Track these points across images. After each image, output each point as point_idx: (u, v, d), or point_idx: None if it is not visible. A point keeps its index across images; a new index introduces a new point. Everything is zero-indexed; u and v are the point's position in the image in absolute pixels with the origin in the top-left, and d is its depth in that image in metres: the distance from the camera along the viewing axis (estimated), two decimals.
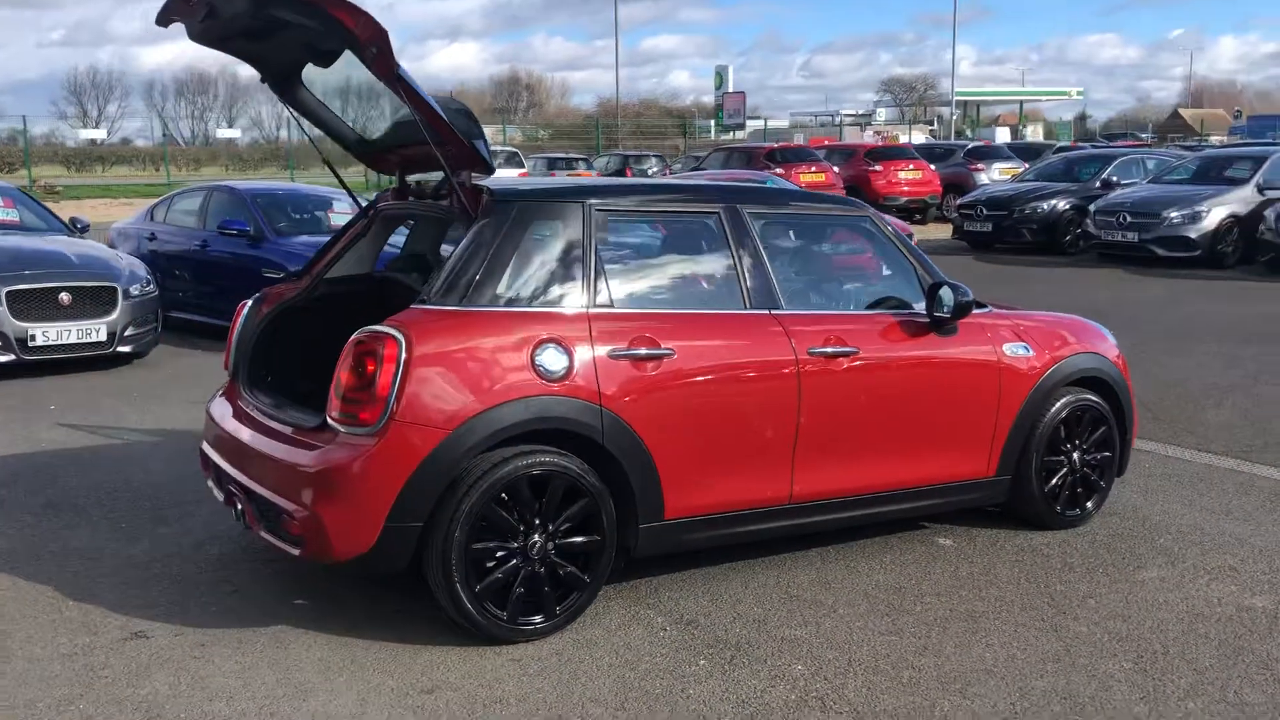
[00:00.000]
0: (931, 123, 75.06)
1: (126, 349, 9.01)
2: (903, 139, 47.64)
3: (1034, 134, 58.35)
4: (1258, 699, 3.54)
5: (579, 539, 3.97)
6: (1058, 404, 5.08)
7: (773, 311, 4.42)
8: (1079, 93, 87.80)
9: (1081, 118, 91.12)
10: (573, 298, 4.05)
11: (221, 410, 4.62)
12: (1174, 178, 16.21)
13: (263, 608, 4.22)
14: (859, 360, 4.51)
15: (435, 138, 3.95)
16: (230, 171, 43.08)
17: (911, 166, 21.82)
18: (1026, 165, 21.76)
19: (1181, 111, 77.97)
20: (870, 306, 4.83)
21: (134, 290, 9.08)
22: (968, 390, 4.87)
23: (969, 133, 61.39)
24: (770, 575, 4.58)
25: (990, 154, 24.22)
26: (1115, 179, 17.06)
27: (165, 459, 6.28)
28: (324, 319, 4.85)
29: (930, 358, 4.75)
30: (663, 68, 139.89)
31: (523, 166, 27.99)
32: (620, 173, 27.36)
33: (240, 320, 4.77)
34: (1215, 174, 15.77)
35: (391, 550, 3.75)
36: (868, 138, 46.18)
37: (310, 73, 4.56)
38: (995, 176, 22.06)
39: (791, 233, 4.73)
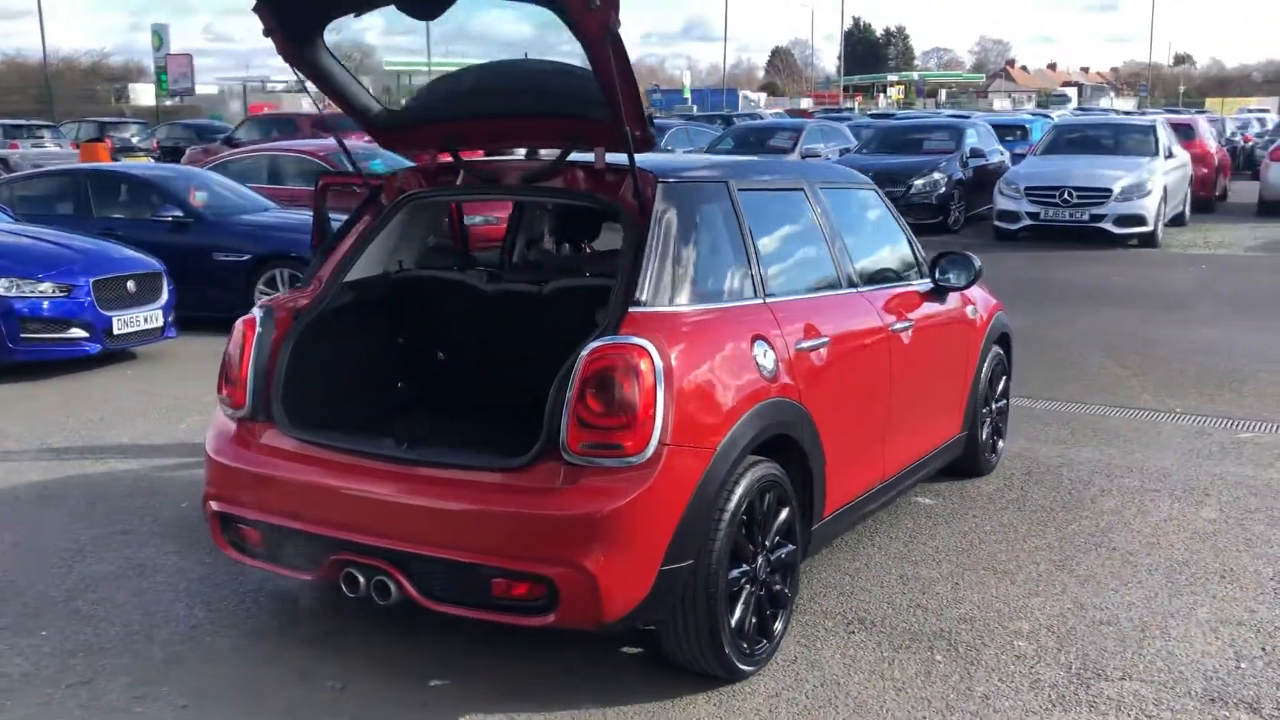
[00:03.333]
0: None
1: None
2: None
3: None
4: None
5: (783, 552, 3.64)
6: (988, 360, 5.48)
7: (859, 289, 4.32)
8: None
9: None
10: (751, 288, 3.67)
11: (258, 459, 3.57)
12: (723, 147, 17.74)
13: (402, 707, 3.36)
14: (912, 333, 4.55)
15: (617, 113, 3.34)
16: None
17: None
18: None
19: None
20: (870, 279, 4.83)
21: None
22: (958, 354, 5.11)
23: None
24: (842, 556, 4.50)
25: None
26: (669, 148, 18.29)
27: None
28: (355, 331, 3.94)
29: (941, 325, 4.91)
30: (29, 24, 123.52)
31: None
32: (99, 141, 24.07)
33: (253, 344, 3.68)
34: (758, 143, 17.52)
35: (662, 599, 3.17)
36: (309, 106, 44.77)
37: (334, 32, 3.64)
38: None
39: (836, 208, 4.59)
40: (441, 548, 3.19)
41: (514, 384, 3.95)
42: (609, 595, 3.07)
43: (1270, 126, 28.73)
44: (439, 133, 3.88)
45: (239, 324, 3.76)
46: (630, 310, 3.27)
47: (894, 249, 4.88)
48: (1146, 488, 5.40)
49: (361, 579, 3.31)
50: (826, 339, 3.86)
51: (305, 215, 10.64)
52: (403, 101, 3.92)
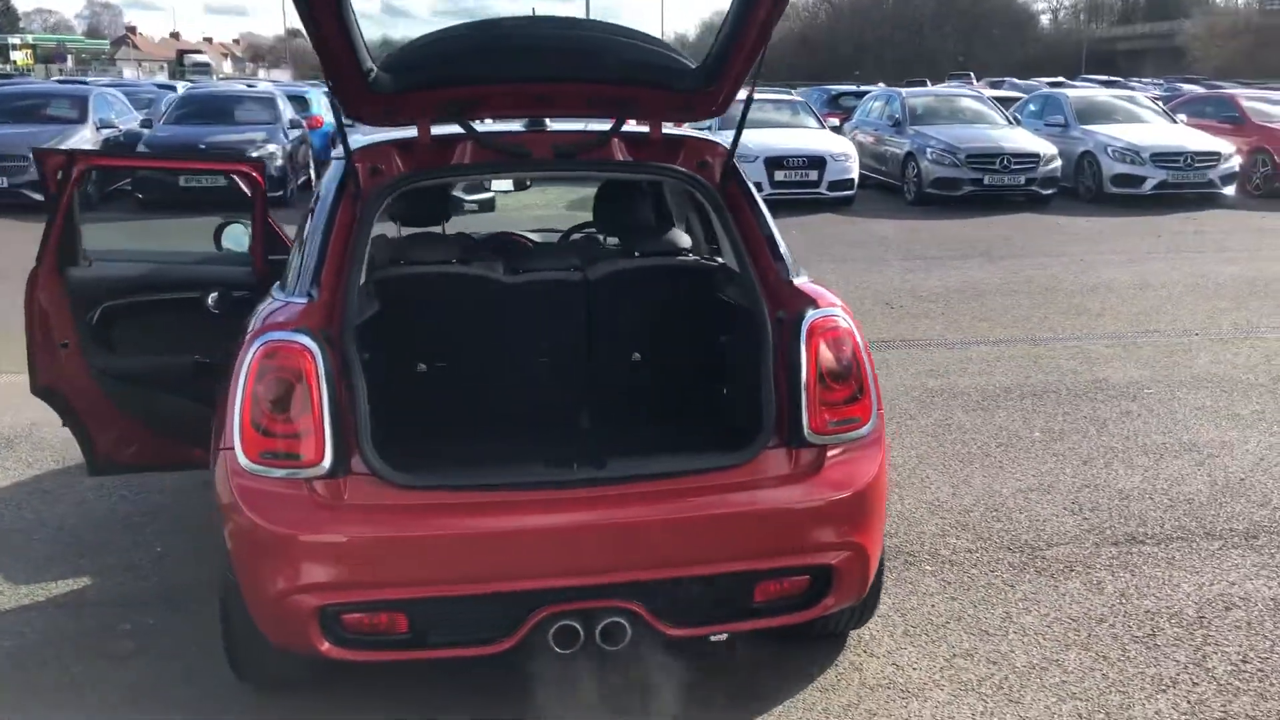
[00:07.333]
0: None
1: None
2: None
3: None
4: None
5: None
6: None
7: None
8: None
9: None
10: None
11: (385, 524, 2.74)
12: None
13: None
14: None
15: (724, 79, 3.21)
16: None
17: None
18: None
19: None
20: None
21: None
22: None
23: None
24: None
25: None
26: None
27: None
28: (391, 346, 3.16)
29: None
30: None
31: None
32: None
33: (320, 380, 2.74)
34: (29, 112, 15.15)
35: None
36: None
37: None
38: None
39: None
40: (698, 565, 2.87)
41: (594, 380, 3.54)
42: (872, 569, 3.09)
43: None
44: (441, 99, 3.20)
45: (280, 356, 2.77)
46: (795, 283, 3.20)
47: None
48: None
49: (581, 629, 2.80)
50: None
51: None
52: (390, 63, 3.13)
